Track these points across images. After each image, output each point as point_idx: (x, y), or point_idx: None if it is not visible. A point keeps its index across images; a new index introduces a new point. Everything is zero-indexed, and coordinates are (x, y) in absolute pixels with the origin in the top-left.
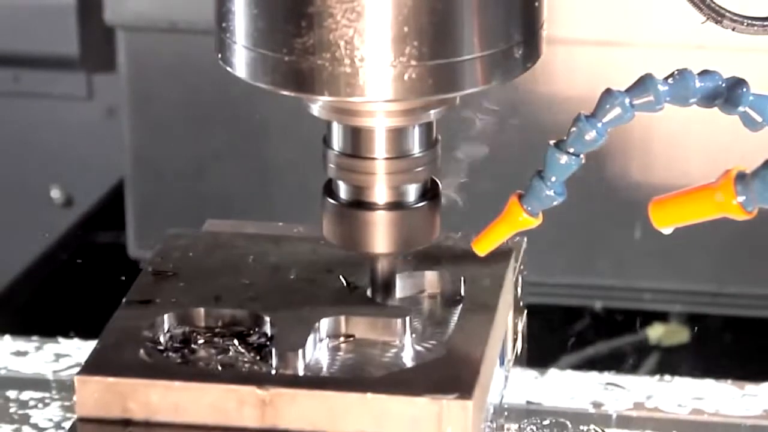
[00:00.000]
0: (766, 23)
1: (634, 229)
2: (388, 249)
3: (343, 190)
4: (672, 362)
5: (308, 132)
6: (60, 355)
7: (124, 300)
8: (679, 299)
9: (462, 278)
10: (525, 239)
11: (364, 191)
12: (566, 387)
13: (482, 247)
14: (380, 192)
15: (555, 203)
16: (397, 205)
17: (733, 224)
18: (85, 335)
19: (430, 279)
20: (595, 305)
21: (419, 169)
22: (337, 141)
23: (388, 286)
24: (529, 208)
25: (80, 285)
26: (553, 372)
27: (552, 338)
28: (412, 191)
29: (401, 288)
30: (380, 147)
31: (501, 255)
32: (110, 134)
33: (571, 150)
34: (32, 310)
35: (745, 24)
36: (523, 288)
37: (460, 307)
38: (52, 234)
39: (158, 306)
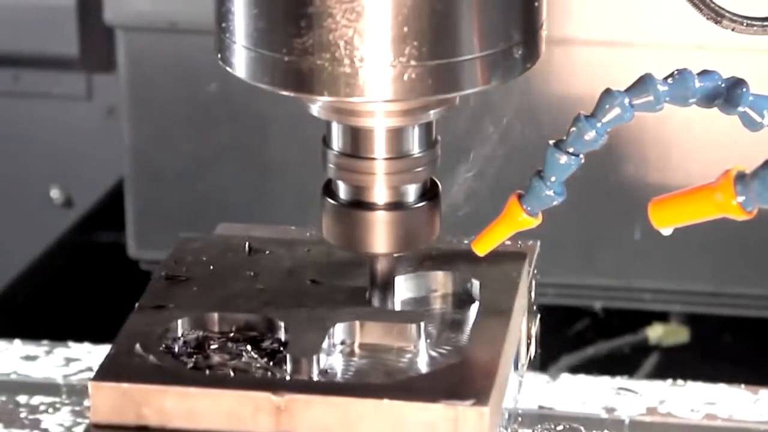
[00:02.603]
0: (765, 23)
1: (634, 229)
2: (388, 249)
3: (342, 190)
4: (672, 362)
5: (308, 132)
6: (70, 359)
7: (137, 305)
8: (679, 299)
9: (473, 279)
10: (538, 243)
11: (363, 191)
12: (578, 392)
13: (482, 247)
14: (380, 192)
15: (555, 203)
16: (396, 205)
17: (732, 224)
18: (85, 335)
19: (442, 279)
20: (595, 305)
21: (419, 169)
22: (336, 141)
23: (387, 287)
24: (529, 208)
25: (80, 285)
26: (565, 377)
27: (552, 338)
28: (411, 191)
29: (411, 287)
30: (380, 147)
31: (515, 258)
32: (110, 134)
33: (571, 150)
34: (32, 311)
35: (745, 24)
36: (536, 291)
37: (474, 310)
38: (52, 234)
39: (171, 311)
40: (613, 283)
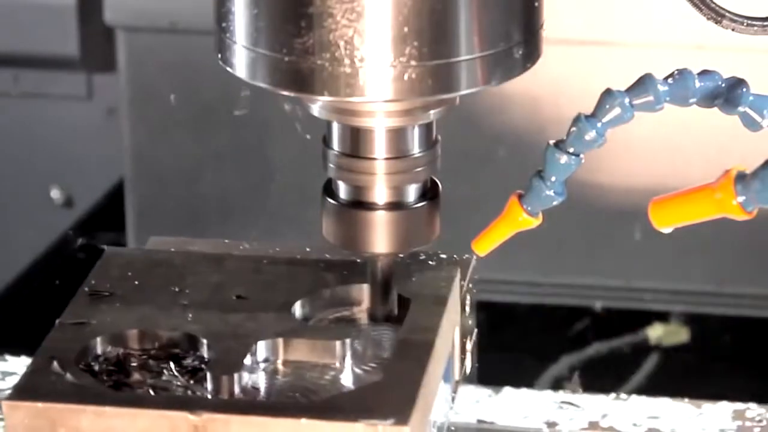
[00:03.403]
0: (766, 23)
1: (634, 229)
2: (388, 249)
3: (342, 190)
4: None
5: (308, 132)
6: (6, 373)
7: (57, 321)
8: (679, 299)
9: (400, 294)
10: (474, 257)
11: (363, 191)
12: (519, 406)
13: (482, 247)
14: (380, 192)
15: (555, 203)
16: (396, 205)
17: (733, 224)
18: None
19: (364, 291)
20: (595, 305)
21: (419, 169)
22: (336, 141)
23: (386, 287)
24: (529, 208)
25: (80, 285)
26: (507, 390)
27: (552, 338)
28: (411, 191)
29: (335, 301)
30: (380, 147)
31: (446, 272)
32: (110, 134)
33: (571, 150)
34: (32, 311)
35: (745, 24)
36: (473, 305)
37: (400, 327)
38: (52, 234)
39: (93, 327)
40: (613, 283)
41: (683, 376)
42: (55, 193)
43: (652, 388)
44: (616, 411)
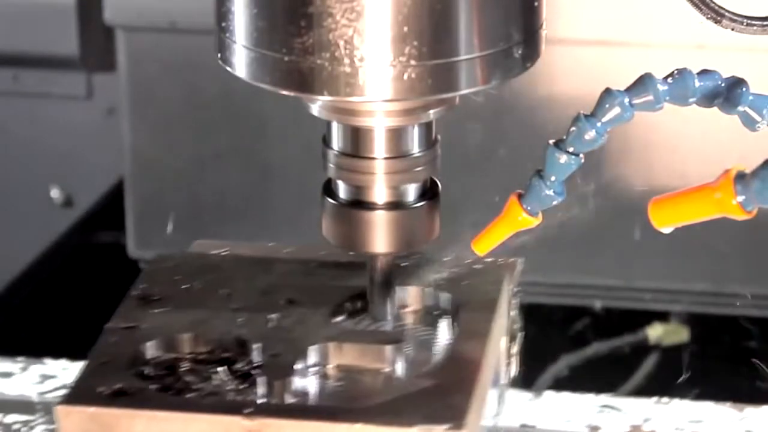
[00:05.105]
0: (765, 23)
1: (634, 229)
2: (388, 249)
3: (342, 190)
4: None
5: (308, 132)
6: (46, 376)
7: (107, 326)
8: (679, 299)
9: (450, 298)
10: (519, 260)
11: (363, 191)
12: (561, 409)
13: (482, 247)
14: (380, 192)
15: (554, 203)
16: (396, 205)
17: (733, 224)
18: (85, 335)
19: (415, 295)
20: (595, 305)
21: (419, 168)
22: (336, 141)
23: (386, 286)
24: (529, 208)
25: (80, 285)
26: (548, 394)
27: (552, 338)
28: (411, 191)
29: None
30: (380, 147)
31: (494, 276)
32: (110, 134)
33: (571, 149)
34: (32, 310)
35: (745, 24)
36: (518, 310)
37: (450, 329)
38: (52, 234)
39: (143, 332)
40: (613, 283)
41: (683, 376)
42: (55, 193)
43: (652, 388)
44: (658, 415)
